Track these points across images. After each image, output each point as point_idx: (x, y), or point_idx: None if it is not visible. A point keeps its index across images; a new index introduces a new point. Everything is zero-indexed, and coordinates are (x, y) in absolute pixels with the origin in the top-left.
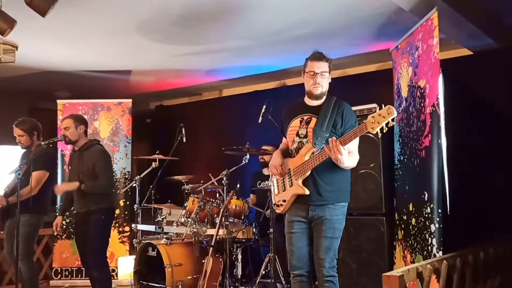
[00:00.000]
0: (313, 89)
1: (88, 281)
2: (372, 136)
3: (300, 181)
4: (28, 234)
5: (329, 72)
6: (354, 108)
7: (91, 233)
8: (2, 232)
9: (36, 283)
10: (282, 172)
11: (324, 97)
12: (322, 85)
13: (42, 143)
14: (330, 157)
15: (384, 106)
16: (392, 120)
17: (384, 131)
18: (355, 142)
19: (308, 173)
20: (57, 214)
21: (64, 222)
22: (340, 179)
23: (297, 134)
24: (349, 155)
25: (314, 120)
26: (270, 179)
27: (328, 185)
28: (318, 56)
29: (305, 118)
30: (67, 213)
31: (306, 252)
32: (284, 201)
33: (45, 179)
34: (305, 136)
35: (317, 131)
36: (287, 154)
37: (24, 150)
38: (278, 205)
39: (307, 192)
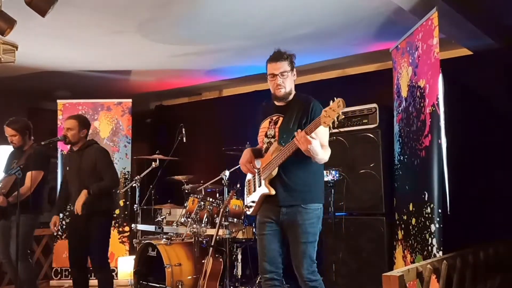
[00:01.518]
0: (277, 91)
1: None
2: (372, 136)
3: (267, 181)
4: (26, 234)
5: (292, 70)
6: (354, 108)
7: (93, 237)
8: None
9: (34, 282)
10: (252, 169)
11: (291, 96)
12: (285, 85)
13: (42, 142)
14: (297, 155)
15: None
16: (343, 113)
17: (336, 124)
18: (326, 135)
19: (275, 172)
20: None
21: (63, 222)
22: (309, 178)
23: (266, 135)
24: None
25: (281, 119)
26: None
27: (296, 185)
28: (275, 57)
29: (274, 118)
30: (67, 212)
31: (277, 254)
32: (254, 202)
33: (40, 178)
34: (273, 136)
35: (283, 129)
36: (260, 155)
37: (14, 149)
38: (248, 207)
39: (272, 192)
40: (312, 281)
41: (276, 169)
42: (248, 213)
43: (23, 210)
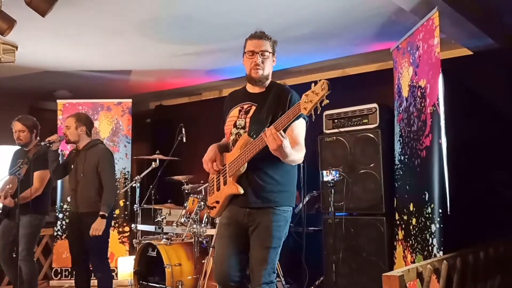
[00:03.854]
0: (253, 71)
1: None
2: (372, 136)
3: (234, 178)
4: (30, 235)
5: (273, 53)
6: (354, 108)
7: (90, 237)
8: None
9: (35, 284)
10: (216, 167)
11: (267, 82)
12: (263, 67)
13: (42, 143)
14: (268, 150)
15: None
16: (327, 97)
17: (319, 111)
18: (302, 130)
19: (243, 168)
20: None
21: (63, 222)
22: (282, 178)
23: (235, 125)
24: (295, 147)
25: (253, 108)
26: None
27: (267, 185)
28: (258, 35)
29: (245, 107)
30: (67, 213)
31: (237, 261)
32: (218, 202)
33: (48, 178)
34: (243, 127)
35: (255, 120)
36: (226, 149)
37: (19, 148)
38: (211, 208)
39: (241, 191)
40: None
41: (245, 165)
42: (211, 215)
43: (29, 211)
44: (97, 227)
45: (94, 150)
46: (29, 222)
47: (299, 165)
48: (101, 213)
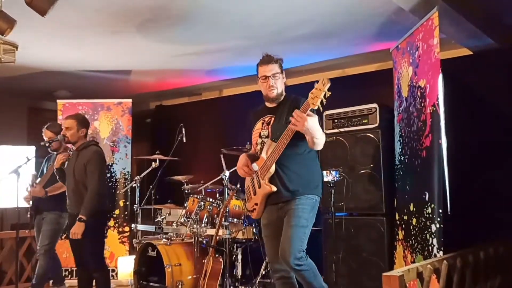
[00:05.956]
0: (269, 92)
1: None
2: (372, 136)
3: (266, 179)
4: (56, 231)
5: (282, 72)
6: (354, 108)
7: (84, 237)
8: (28, 231)
9: (45, 280)
10: (249, 171)
11: (282, 97)
12: (277, 86)
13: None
14: (291, 148)
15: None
16: (328, 90)
17: (324, 103)
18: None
19: (273, 169)
20: None
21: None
22: (306, 171)
23: (260, 136)
24: None
25: (273, 119)
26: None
27: (293, 180)
28: (266, 60)
29: (266, 119)
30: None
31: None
32: (256, 204)
33: None
34: (267, 136)
35: (275, 126)
36: (255, 159)
37: (50, 152)
38: (251, 211)
39: (274, 189)
40: (300, 265)
41: (273, 166)
42: (252, 217)
43: (54, 208)
44: (74, 231)
45: (85, 151)
46: (54, 219)
47: None
48: (79, 216)
